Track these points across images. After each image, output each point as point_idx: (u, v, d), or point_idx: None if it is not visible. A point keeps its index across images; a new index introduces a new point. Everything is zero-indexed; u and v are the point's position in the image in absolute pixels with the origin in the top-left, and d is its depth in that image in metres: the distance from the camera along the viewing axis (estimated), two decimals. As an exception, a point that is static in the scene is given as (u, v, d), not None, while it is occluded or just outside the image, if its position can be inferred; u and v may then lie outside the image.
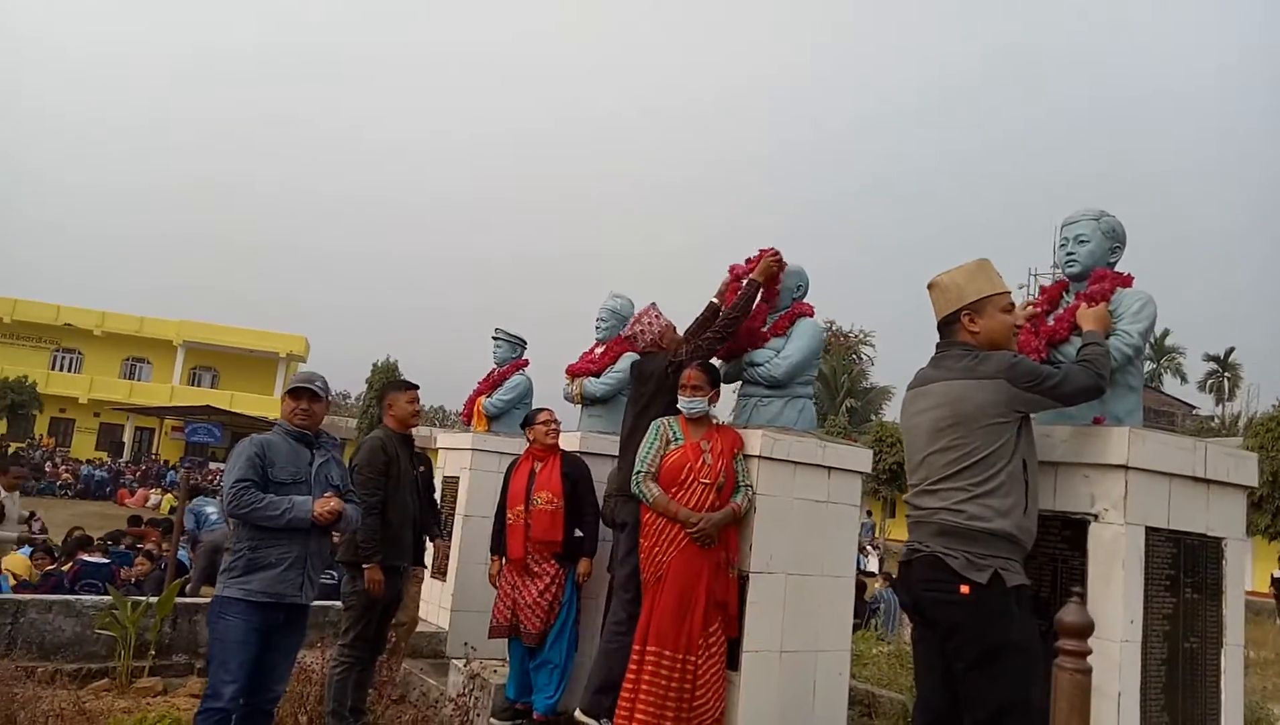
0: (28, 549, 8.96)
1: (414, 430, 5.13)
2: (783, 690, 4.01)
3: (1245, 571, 3.23)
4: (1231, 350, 46.05)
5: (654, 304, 4.75)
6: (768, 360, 4.43)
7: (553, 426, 4.94)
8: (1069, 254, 3.32)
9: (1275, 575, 20.39)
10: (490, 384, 6.93)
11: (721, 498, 3.92)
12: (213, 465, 33.18)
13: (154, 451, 40.24)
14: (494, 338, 7.02)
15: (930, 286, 3.06)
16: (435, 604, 6.75)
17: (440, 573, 6.70)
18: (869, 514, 37.28)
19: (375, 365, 37.95)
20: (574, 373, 5.94)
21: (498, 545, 4.98)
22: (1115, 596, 2.76)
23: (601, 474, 5.14)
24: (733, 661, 3.93)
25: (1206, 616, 3.00)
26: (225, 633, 3.66)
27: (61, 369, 43.80)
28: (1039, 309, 3.41)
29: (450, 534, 6.63)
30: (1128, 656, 2.76)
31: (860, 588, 10.46)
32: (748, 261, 4.59)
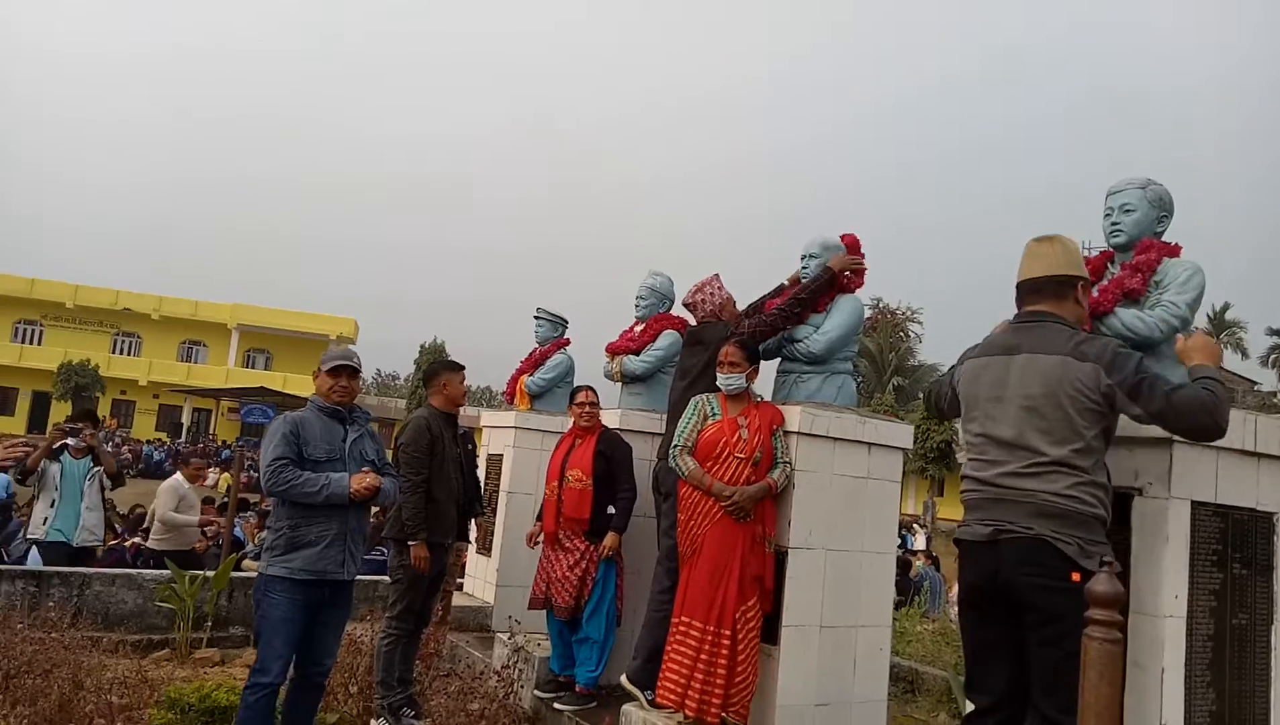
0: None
1: (461, 409, 5.20)
2: (822, 665, 4.01)
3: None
4: (1298, 324, 44.49)
5: (717, 275, 4.76)
6: (807, 336, 4.41)
7: (586, 408, 4.95)
8: (1114, 224, 3.23)
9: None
10: (532, 363, 7.00)
11: (758, 473, 3.93)
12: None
13: (211, 432, 41.36)
14: (536, 317, 7.07)
15: (1050, 240, 2.80)
16: (481, 579, 6.87)
17: (485, 549, 6.81)
18: (930, 493, 37.01)
19: (423, 347, 38.45)
20: (614, 351, 5.96)
21: (541, 516, 5.09)
22: (1159, 572, 2.71)
23: (642, 451, 5.18)
24: (771, 635, 3.94)
25: (1256, 593, 2.93)
26: (271, 610, 3.70)
27: (122, 352, 45.18)
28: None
29: (495, 511, 6.73)
30: (1172, 632, 2.71)
31: (905, 565, 10.39)
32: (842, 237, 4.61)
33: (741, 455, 3.93)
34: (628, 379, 5.85)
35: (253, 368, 46.36)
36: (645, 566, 4.90)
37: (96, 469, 6.93)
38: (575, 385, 5.56)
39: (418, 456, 4.79)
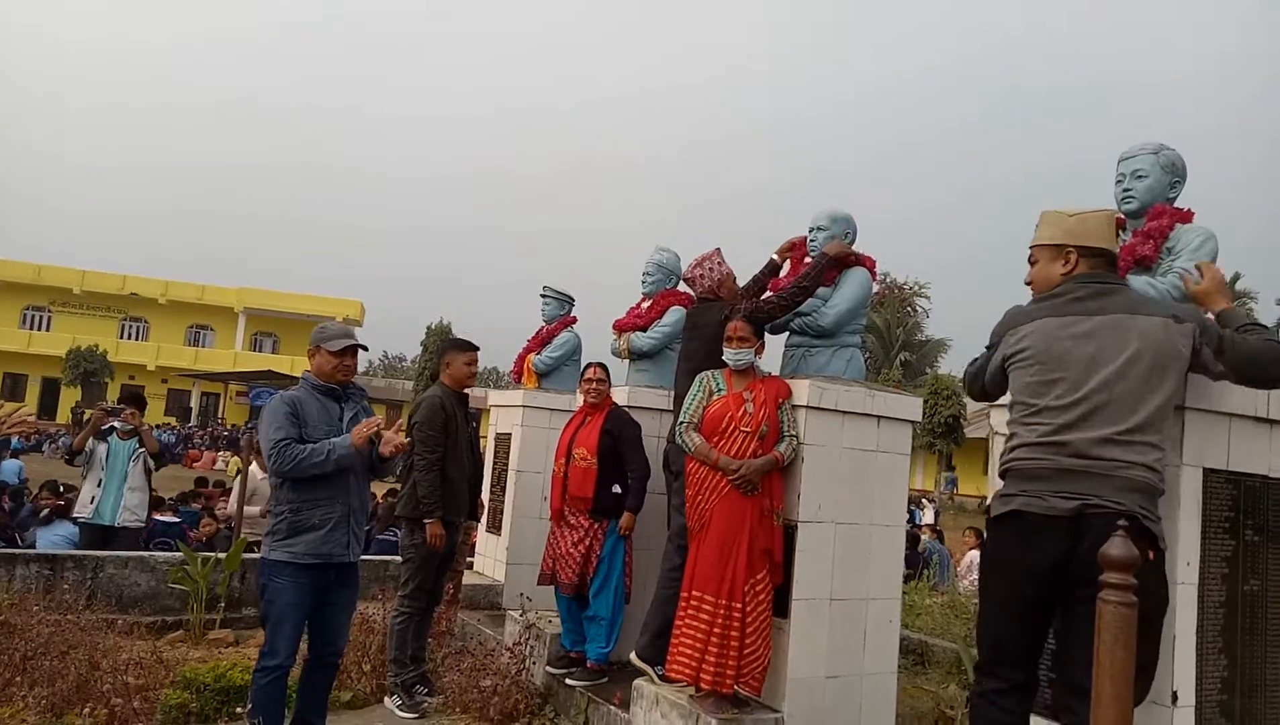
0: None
1: (468, 390, 5.20)
2: (833, 637, 4.02)
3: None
4: (1307, 293, 44.25)
5: (718, 250, 4.71)
6: (815, 309, 4.38)
7: (594, 385, 4.94)
8: (1126, 190, 3.19)
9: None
10: (539, 341, 6.99)
11: (764, 446, 3.92)
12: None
13: (220, 416, 41.55)
14: (542, 295, 7.06)
15: (1103, 213, 2.75)
16: (491, 557, 6.90)
17: (495, 527, 6.83)
18: (952, 468, 37.05)
19: (429, 327, 38.49)
20: (621, 327, 5.95)
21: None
22: (1172, 539, 2.69)
23: (649, 428, 5.18)
24: (782, 609, 3.95)
25: (1268, 559, 2.92)
26: (277, 595, 3.68)
27: (129, 338, 45.33)
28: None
29: (504, 489, 6.76)
30: (1183, 599, 2.70)
31: (913, 539, 10.41)
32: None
33: (747, 429, 3.92)
34: (635, 356, 5.84)
35: (260, 351, 46.51)
36: (655, 543, 4.91)
37: (141, 450, 7.11)
38: (583, 363, 5.55)
39: (433, 434, 4.82)
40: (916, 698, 5.08)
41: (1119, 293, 2.64)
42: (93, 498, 6.93)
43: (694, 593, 3.92)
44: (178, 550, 6.80)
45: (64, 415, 38.63)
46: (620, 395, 5.43)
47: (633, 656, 4.32)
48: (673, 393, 4.82)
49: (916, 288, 47.00)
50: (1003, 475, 2.71)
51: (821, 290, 4.46)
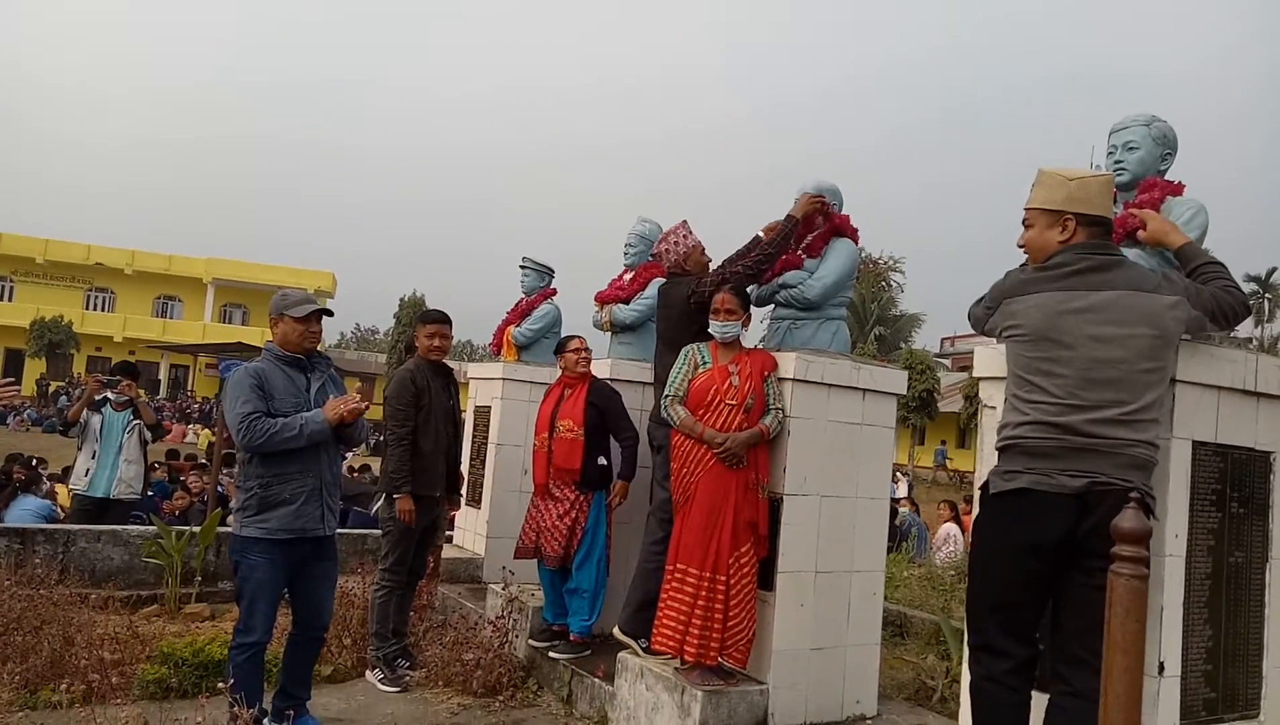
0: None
1: (444, 358, 5.13)
2: (818, 610, 4.04)
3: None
4: (1274, 270, 44.92)
5: (684, 222, 4.66)
6: (801, 281, 4.35)
7: (583, 354, 4.92)
8: (1117, 162, 3.18)
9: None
10: (519, 313, 6.91)
11: (750, 419, 3.90)
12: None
13: (189, 388, 41.00)
14: (521, 267, 6.97)
15: (1103, 177, 2.71)
16: (471, 531, 6.87)
17: (475, 500, 6.79)
18: (943, 443, 37.40)
19: (402, 300, 38.09)
20: (603, 300, 5.90)
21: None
22: (1161, 512, 2.71)
23: (632, 401, 5.15)
24: (767, 581, 3.96)
25: (1253, 531, 2.95)
26: (251, 572, 3.59)
27: (95, 308, 44.50)
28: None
29: (484, 463, 6.70)
30: (1172, 571, 2.73)
31: (890, 513, 10.49)
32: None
33: (733, 402, 3.90)
34: (617, 328, 5.79)
35: (229, 323, 45.84)
36: (636, 516, 4.90)
37: (136, 421, 7.02)
38: (564, 335, 5.49)
39: (401, 408, 4.79)
40: (897, 668, 5.13)
41: (1120, 267, 2.61)
42: (87, 470, 6.85)
43: (678, 565, 3.91)
44: (150, 523, 6.70)
45: (29, 387, 37.91)
46: (602, 368, 5.39)
47: (616, 631, 4.31)
48: (653, 366, 4.79)
49: (891, 263, 47.21)
50: (1002, 450, 2.66)
51: (808, 262, 4.43)
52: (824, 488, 4.08)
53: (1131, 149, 3.15)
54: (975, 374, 3.08)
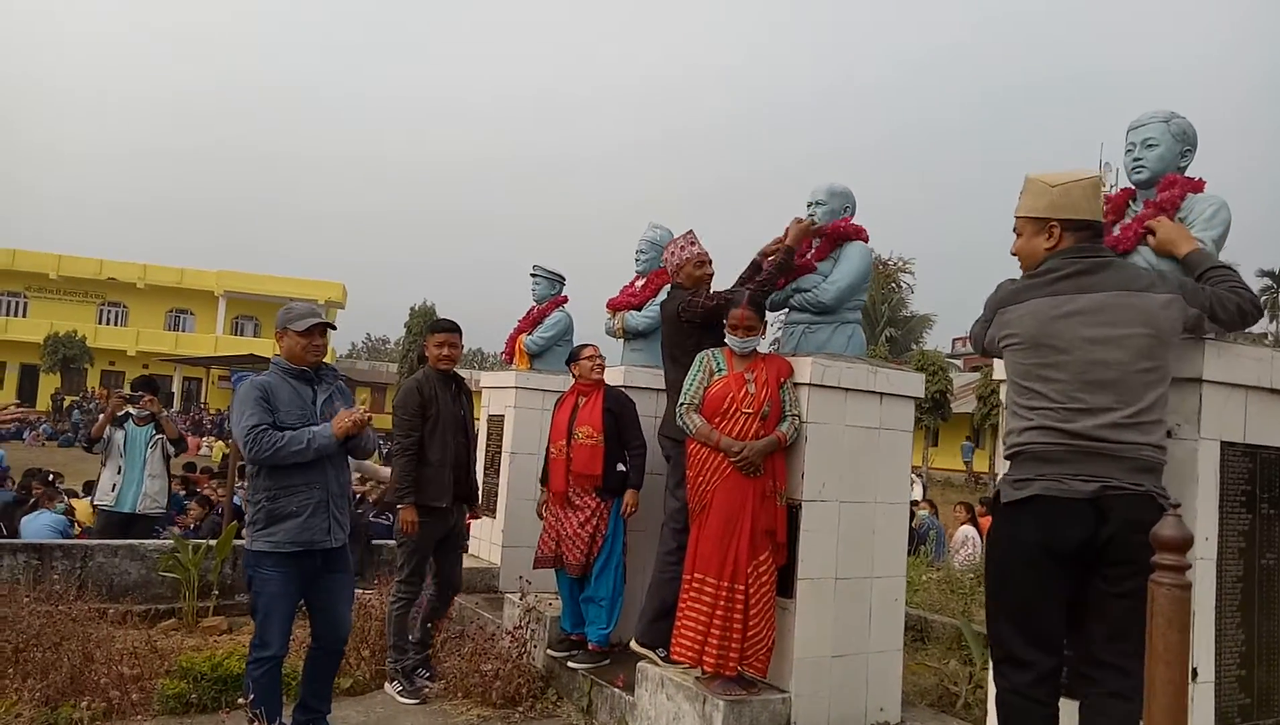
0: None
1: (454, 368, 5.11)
2: (838, 617, 4.00)
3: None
4: (1287, 265, 44.60)
5: (690, 232, 4.61)
6: (815, 285, 4.32)
7: (598, 361, 4.93)
8: (1136, 160, 3.13)
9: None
10: (530, 322, 6.90)
11: (766, 427, 3.87)
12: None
13: (203, 401, 41.18)
14: (533, 275, 6.96)
15: (1088, 179, 2.67)
16: (486, 540, 6.85)
17: (490, 510, 6.77)
18: (969, 438, 37.11)
19: (413, 309, 38.20)
20: (615, 306, 5.88)
21: (546, 477, 5.03)
22: (1190, 514, 2.66)
23: (645, 408, 5.12)
24: (786, 589, 3.92)
25: (1283, 532, 2.90)
26: (263, 585, 3.61)
27: (108, 323, 44.74)
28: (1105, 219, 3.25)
29: (498, 472, 6.69)
30: (1202, 574, 2.68)
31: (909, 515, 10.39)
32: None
33: (749, 410, 3.87)
34: (630, 335, 5.78)
35: (241, 335, 46.01)
36: (650, 523, 4.87)
37: (159, 436, 7.04)
38: (576, 344, 5.48)
39: (405, 419, 4.82)
40: (919, 674, 5.08)
41: (1109, 267, 2.59)
42: (113, 485, 6.88)
43: (696, 574, 3.88)
44: (167, 538, 6.71)
45: (44, 402, 38.13)
46: (615, 374, 5.38)
47: (633, 643, 4.28)
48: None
49: (901, 264, 47.04)
50: (1011, 458, 2.63)
51: (822, 265, 4.40)
52: (843, 493, 4.05)
53: (1150, 146, 3.10)
54: (997, 376, 3.03)
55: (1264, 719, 2.80)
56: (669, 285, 5.44)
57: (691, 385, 4.04)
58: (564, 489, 4.78)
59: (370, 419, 3.78)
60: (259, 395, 3.60)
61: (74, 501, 9.55)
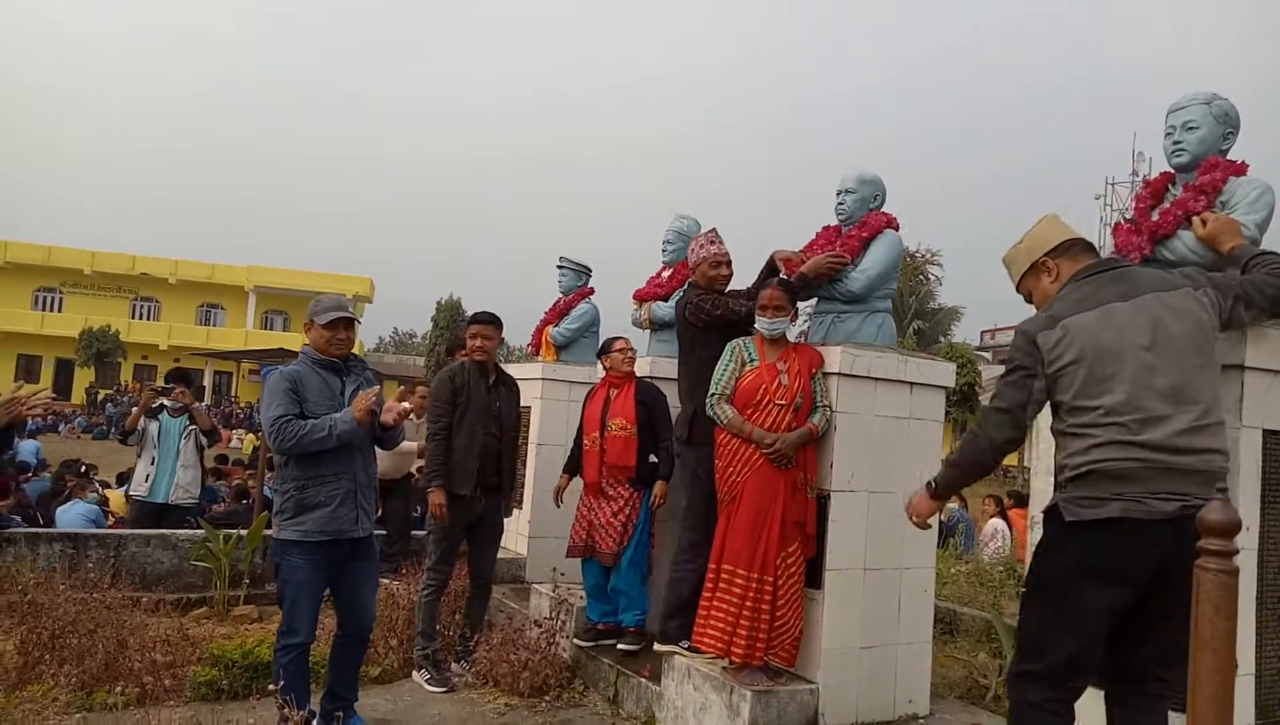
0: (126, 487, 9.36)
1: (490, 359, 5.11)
2: (867, 608, 3.96)
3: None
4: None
5: (713, 230, 4.53)
6: (845, 275, 4.27)
7: (629, 354, 4.96)
8: (1176, 143, 3.06)
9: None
10: (557, 313, 6.89)
11: (799, 418, 3.84)
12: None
13: (233, 394, 41.69)
14: (559, 267, 6.95)
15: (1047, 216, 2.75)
16: (513, 531, 6.85)
17: (517, 501, 6.78)
18: None
19: (439, 303, 38.39)
20: (641, 297, 5.87)
21: (571, 465, 5.09)
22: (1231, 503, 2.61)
23: (673, 397, 5.09)
24: (814, 580, 3.89)
25: (1327, 523, 2.83)
26: (291, 573, 3.64)
27: (141, 317, 45.37)
28: (1141, 205, 3.19)
29: (524, 463, 6.69)
30: (1243, 565, 2.60)
31: (936, 508, 10.25)
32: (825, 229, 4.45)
33: (782, 402, 3.84)
34: (656, 326, 5.77)
35: (271, 329, 46.51)
36: (675, 513, 4.85)
37: (192, 427, 7.15)
38: (606, 337, 5.46)
39: (436, 406, 4.92)
40: (948, 666, 5.03)
41: (1132, 274, 2.54)
42: (147, 476, 6.99)
43: (724, 566, 3.86)
44: (199, 528, 6.79)
45: (79, 396, 38.78)
46: (642, 365, 5.36)
47: (656, 645, 4.28)
48: None
49: (929, 256, 46.58)
50: (1076, 479, 2.43)
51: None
52: (872, 483, 4.01)
53: (1191, 129, 3.03)
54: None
55: (1307, 713, 2.73)
56: (690, 279, 5.44)
57: (723, 375, 4.00)
58: (597, 479, 4.79)
59: (409, 409, 3.83)
60: (287, 386, 3.65)
61: (107, 492, 9.71)
